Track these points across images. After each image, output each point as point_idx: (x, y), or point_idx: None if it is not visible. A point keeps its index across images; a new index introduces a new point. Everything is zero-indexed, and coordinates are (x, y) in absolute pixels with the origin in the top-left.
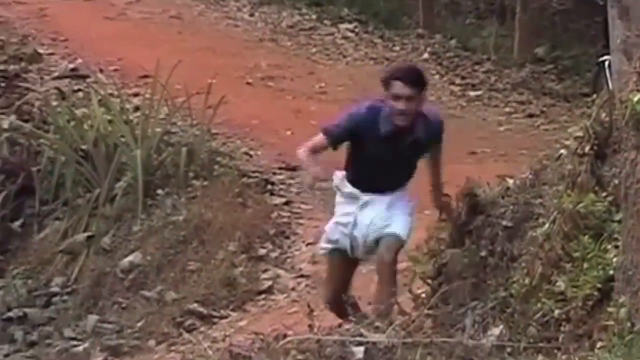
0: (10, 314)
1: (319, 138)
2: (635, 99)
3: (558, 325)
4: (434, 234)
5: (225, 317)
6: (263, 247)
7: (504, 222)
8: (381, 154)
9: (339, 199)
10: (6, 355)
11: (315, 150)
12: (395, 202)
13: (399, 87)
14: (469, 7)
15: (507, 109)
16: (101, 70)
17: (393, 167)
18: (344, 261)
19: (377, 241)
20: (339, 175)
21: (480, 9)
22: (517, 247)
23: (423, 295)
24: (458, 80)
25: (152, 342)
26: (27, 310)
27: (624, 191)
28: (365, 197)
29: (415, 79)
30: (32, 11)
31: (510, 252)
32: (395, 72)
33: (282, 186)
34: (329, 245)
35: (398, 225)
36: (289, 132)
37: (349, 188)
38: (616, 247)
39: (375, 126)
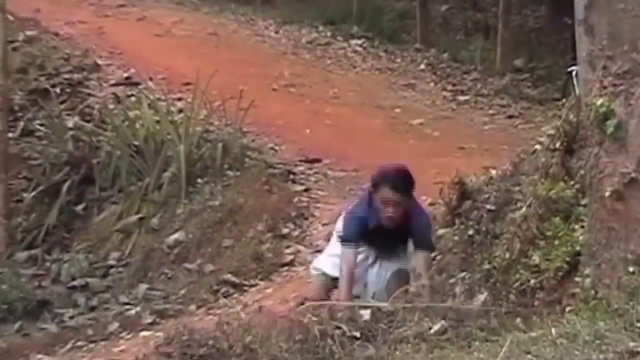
0: (75, 282)
1: (346, 253)
2: (598, 102)
3: (533, 293)
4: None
5: (255, 286)
6: (286, 227)
7: (488, 206)
8: (370, 242)
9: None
10: (71, 317)
11: (351, 268)
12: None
13: (387, 192)
14: (459, 25)
15: (490, 111)
16: (150, 79)
17: (384, 249)
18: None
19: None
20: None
21: (468, 27)
22: (499, 227)
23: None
24: (449, 87)
25: (192, 307)
26: (88, 279)
27: (588, 180)
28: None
29: (403, 185)
30: (93, 29)
31: (493, 231)
32: (384, 176)
33: (302, 176)
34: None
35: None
36: (307, 131)
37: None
38: (582, 227)
39: (365, 223)
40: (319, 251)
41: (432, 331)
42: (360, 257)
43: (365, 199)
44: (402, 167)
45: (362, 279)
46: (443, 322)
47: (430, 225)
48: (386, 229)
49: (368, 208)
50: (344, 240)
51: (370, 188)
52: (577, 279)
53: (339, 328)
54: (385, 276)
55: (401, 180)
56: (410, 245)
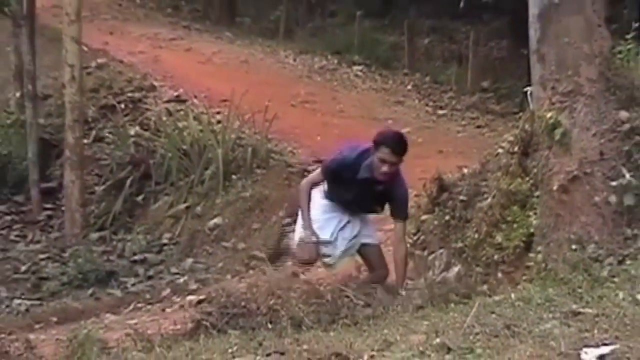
0: (135, 257)
1: (317, 173)
2: (548, 115)
3: (497, 266)
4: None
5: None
6: None
7: (461, 197)
8: (352, 191)
9: (319, 198)
10: (132, 285)
11: (314, 183)
12: (365, 226)
13: (386, 153)
14: (438, 54)
15: (463, 122)
16: (195, 97)
17: (361, 203)
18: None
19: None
20: (323, 185)
21: (445, 55)
22: (469, 213)
23: (407, 245)
24: (430, 104)
25: (228, 276)
26: (146, 255)
27: (540, 177)
28: (345, 216)
29: (401, 150)
30: (150, 58)
31: (465, 217)
32: (387, 139)
33: (313, 169)
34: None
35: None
36: (319, 138)
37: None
38: (535, 214)
39: (356, 169)
40: None
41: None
42: (333, 214)
43: (359, 154)
44: (400, 133)
45: (332, 233)
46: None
47: (408, 197)
48: (370, 186)
49: (362, 162)
50: (324, 167)
51: (371, 146)
52: (531, 255)
53: (347, 296)
54: (355, 236)
55: (400, 144)
56: (383, 210)
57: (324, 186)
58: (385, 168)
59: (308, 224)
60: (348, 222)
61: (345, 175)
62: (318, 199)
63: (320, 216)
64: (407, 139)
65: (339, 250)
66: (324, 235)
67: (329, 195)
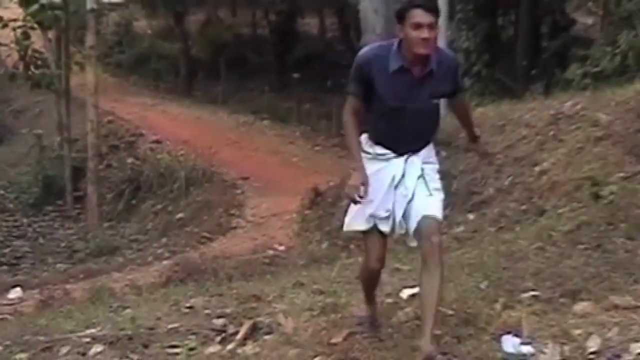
0: (131, 237)
1: (349, 96)
2: None
3: (351, 241)
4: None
5: (218, 239)
6: (232, 210)
7: (329, 199)
8: (395, 98)
9: (370, 164)
10: (129, 254)
11: (354, 113)
12: (426, 169)
13: (420, 15)
14: (316, 114)
15: (331, 154)
16: (167, 140)
17: (411, 115)
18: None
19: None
20: (363, 139)
21: (320, 114)
22: (334, 209)
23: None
24: (311, 143)
25: (188, 249)
26: (138, 236)
27: None
28: (398, 161)
29: (435, 6)
30: (140, 116)
31: (330, 212)
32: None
33: (240, 185)
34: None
35: (434, 207)
36: (243, 164)
37: (379, 149)
38: None
39: (385, 64)
40: (250, 221)
41: None
42: (379, 173)
43: (379, 47)
44: None
45: (385, 202)
46: None
47: (456, 61)
48: (413, 80)
49: (389, 53)
50: (349, 88)
51: (398, 23)
52: None
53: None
54: (412, 196)
55: (431, 1)
56: (442, 107)
57: (364, 137)
58: (425, 34)
59: (359, 165)
60: (403, 174)
61: (375, 75)
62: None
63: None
64: None
65: (399, 216)
66: (377, 210)
67: (373, 135)
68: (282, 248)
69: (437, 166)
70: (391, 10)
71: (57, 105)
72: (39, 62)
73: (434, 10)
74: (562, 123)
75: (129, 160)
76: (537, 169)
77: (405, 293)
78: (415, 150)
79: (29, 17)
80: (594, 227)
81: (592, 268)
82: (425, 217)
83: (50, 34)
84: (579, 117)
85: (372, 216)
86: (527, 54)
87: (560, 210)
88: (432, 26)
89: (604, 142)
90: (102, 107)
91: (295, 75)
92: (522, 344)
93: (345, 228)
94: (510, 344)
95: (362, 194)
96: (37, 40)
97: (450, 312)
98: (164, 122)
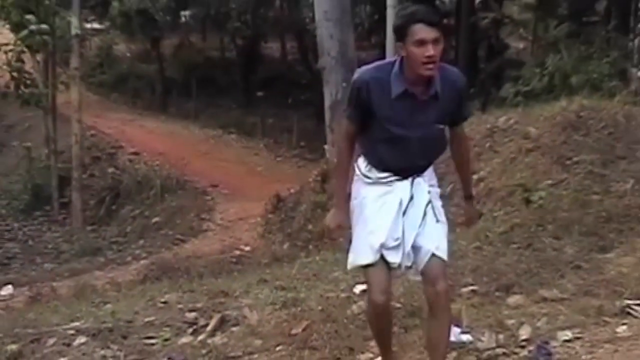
0: (112, 240)
1: (345, 119)
2: None
3: (309, 242)
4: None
5: (190, 241)
6: (203, 215)
7: (290, 204)
8: (398, 125)
9: (372, 189)
10: (110, 255)
11: (350, 138)
12: (432, 192)
13: (423, 30)
14: (278, 127)
15: (291, 164)
16: (144, 151)
17: (415, 142)
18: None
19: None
20: (360, 163)
21: (282, 128)
22: (294, 213)
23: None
24: (273, 154)
25: (163, 250)
26: (118, 238)
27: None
28: (404, 184)
29: (436, 17)
30: (119, 130)
31: (292, 215)
32: (415, 14)
33: (210, 192)
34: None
35: (443, 244)
36: (212, 173)
37: (380, 173)
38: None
39: (387, 88)
40: (219, 224)
41: None
42: (384, 198)
43: (377, 68)
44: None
45: (393, 231)
46: None
47: (463, 79)
48: (417, 104)
49: (388, 76)
50: (346, 113)
51: (397, 41)
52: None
53: (230, 261)
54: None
55: (431, 11)
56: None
57: (362, 160)
58: (430, 51)
59: (340, 204)
60: (411, 198)
61: (375, 99)
62: (360, 186)
63: (374, 213)
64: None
65: (409, 246)
66: (387, 239)
67: (373, 160)
68: (247, 248)
69: (439, 190)
70: (345, 34)
71: (45, 120)
72: (29, 82)
73: (437, 24)
74: (497, 136)
75: (110, 170)
76: (475, 177)
77: (358, 288)
78: (420, 172)
79: (19, 42)
80: (525, 228)
81: (523, 265)
82: (433, 257)
83: (39, 57)
84: (512, 131)
85: (381, 246)
86: (466, 74)
87: (495, 214)
88: (437, 41)
89: (534, 152)
90: (85, 122)
91: (260, 93)
92: (462, 333)
93: (349, 267)
94: (451, 333)
95: (337, 237)
96: (27, 62)
97: (398, 305)
98: (141, 135)
